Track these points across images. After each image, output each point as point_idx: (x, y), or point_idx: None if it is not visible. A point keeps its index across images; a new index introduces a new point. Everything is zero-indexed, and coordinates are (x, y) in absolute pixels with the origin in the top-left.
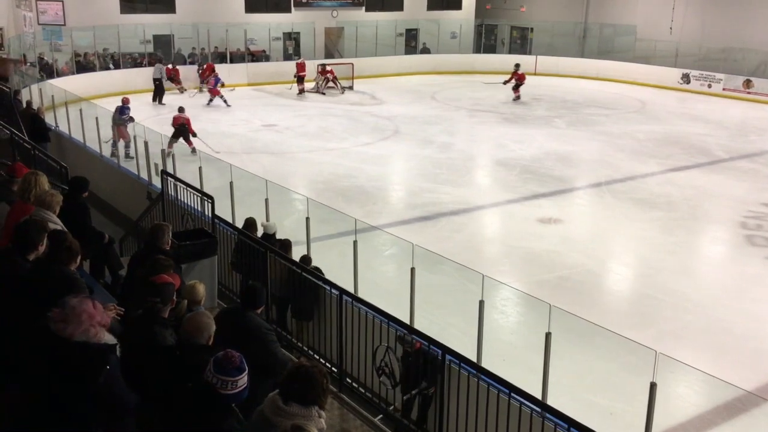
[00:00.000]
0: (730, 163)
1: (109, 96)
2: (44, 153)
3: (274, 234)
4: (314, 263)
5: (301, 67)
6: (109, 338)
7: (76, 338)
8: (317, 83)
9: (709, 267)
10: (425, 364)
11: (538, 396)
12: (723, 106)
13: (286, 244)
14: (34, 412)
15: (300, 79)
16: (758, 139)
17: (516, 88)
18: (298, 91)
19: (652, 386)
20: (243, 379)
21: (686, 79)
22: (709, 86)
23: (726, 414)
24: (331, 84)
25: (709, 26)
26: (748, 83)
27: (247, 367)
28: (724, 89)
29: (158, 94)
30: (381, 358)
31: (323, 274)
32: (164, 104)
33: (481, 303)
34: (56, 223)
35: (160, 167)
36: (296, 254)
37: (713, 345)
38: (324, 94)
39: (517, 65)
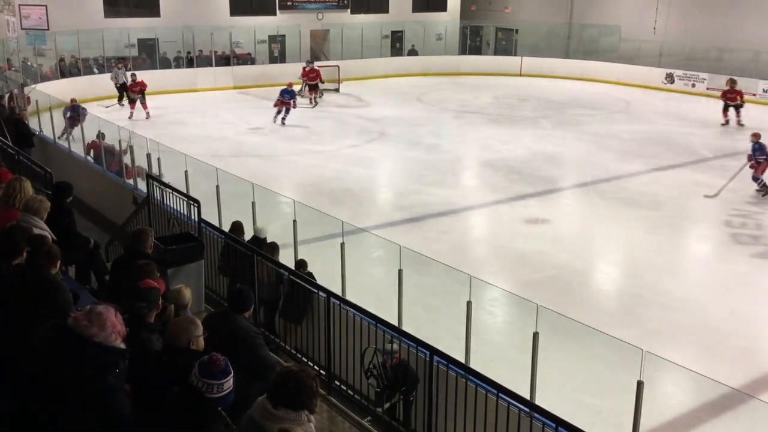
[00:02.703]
0: (715, 161)
1: (94, 100)
2: (28, 158)
3: (264, 239)
4: None
5: (313, 74)
6: (122, 345)
7: (95, 339)
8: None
9: (695, 265)
10: (405, 378)
11: (526, 396)
12: (707, 106)
13: (273, 247)
14: (31, 410)
15: (313, 87)
16: (742, 137)
17: (730, 110)
18: (313, 102)
19: (639, 384)
20: (229, 382)
21: (670, 78)
22: (693, 86)
23: (712, 411)
24: (318, 98)
25: (693, 26)
26: (731, 82)
27: (232, 370)
28: (708, 89)
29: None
30: (369, 360)
31: (315, 279)
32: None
33: (469, 304)
34: (43, 229)
35: (146, 171)
36: (284, 257)
37: (700, 343)
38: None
39: (733, 81)
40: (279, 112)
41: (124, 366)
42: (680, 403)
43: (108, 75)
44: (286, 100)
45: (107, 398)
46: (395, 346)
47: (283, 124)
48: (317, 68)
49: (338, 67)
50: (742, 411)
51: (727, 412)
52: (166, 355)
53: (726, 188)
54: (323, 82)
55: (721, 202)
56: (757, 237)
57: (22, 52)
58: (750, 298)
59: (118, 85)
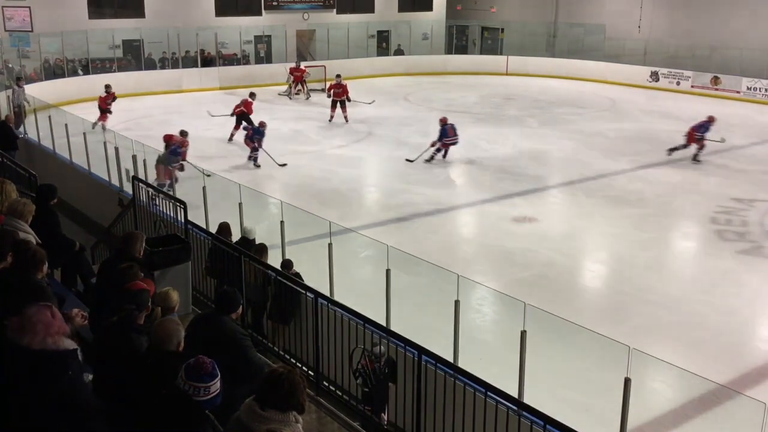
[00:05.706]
0: (700, 158)
1: (79, 102)
2: (12, 161)
3: (253, 239)
4: None
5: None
6: (69, 344)
7: (34, 347)
8: (290, 87)
9: (682, 262)
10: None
11: (515, 394)
12: (691, 103)
13: (262, 249)
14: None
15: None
16: (726, 135)
17: None
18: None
19: (627, 381)
20: (216, 385)
21: (655, 77)
22: (678, 84)
23: (700, 407)
24: (299, 89)
25: (677, 24)
26: (715, 80)
27: (219, 373)
28: (692, 86)
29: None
30: (357, 360)
31: (303, 280)
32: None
33: (457, 303)
34: (28, 233)
35: (131, 173)
36: (271, 258)
37: (686, 339)
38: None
39: None
40: None
41: (77, 364)
42: (667, 400)
43: (85, 75)
44: None
45: (69, 403)
46: (383, 349)
47: None
48: (346, 84)
49: (324, 67)
50: (729, 407)
51: (714, 408)
52: (151, 358)
53: None
54: (349, 100)
55: (707, 198)
56: (742, 233)
57: (6, 54)
58: (736, 294)
59: (15, 109)
